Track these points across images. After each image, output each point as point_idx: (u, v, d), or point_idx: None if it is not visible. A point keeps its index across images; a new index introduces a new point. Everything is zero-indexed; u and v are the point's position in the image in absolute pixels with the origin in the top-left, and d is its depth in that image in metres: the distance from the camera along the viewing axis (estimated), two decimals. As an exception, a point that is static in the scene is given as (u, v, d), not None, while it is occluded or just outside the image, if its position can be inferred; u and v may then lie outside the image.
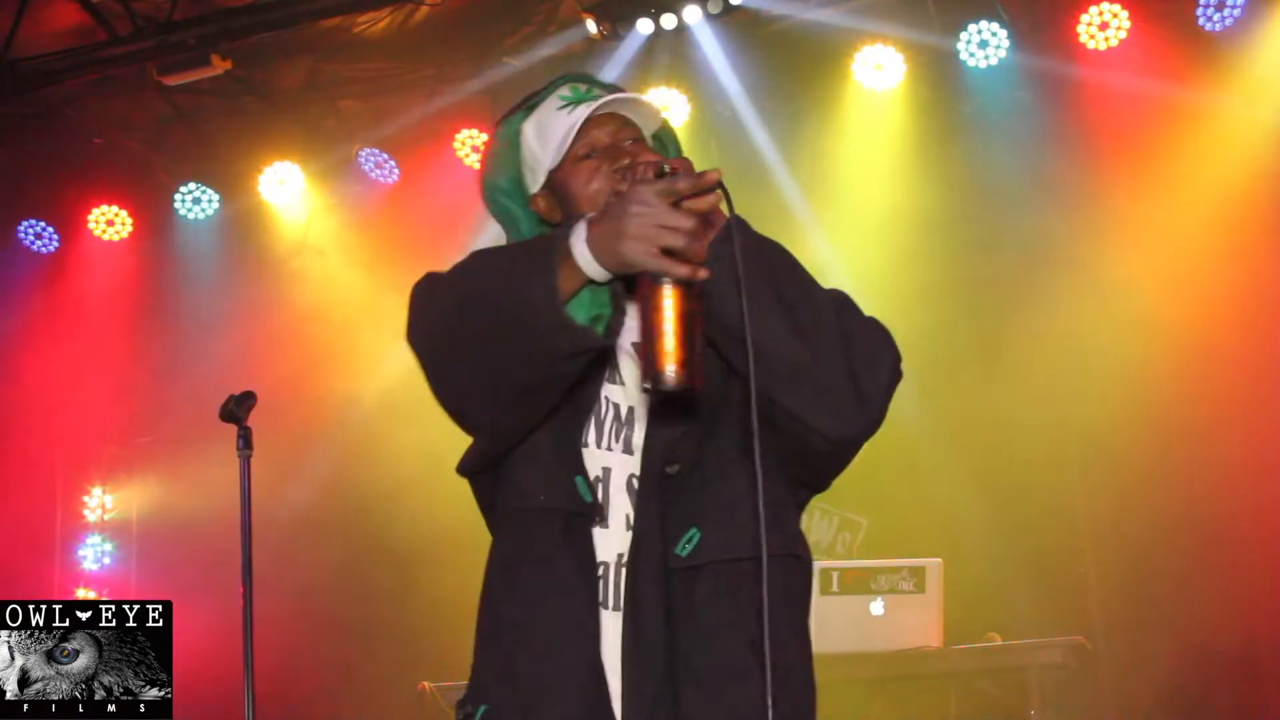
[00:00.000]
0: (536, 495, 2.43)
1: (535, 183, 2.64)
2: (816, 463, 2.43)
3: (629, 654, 2.33)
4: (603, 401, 2.49)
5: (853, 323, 2.36)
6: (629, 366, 2.50)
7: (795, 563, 2.46)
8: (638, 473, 2.43)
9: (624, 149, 2.53)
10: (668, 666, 2.33)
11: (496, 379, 2.32)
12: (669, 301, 2.14)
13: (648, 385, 2.15)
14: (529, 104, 2.65)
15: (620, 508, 2.43)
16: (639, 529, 2.39)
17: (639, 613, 2.34)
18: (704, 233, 2.23)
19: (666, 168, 2.21)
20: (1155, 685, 6.86)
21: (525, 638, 2.39)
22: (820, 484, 2.53)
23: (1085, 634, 6.36)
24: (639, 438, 2.46)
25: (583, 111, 2.53)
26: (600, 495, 2.44)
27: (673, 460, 2.41)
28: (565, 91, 2.61)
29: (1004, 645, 6.03)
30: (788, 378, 2.30)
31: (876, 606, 5.92)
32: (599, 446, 2.47)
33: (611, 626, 2.37)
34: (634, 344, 2.48)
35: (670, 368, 2.14)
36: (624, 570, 2.38)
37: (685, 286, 2.15)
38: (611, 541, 2.42)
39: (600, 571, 2.40)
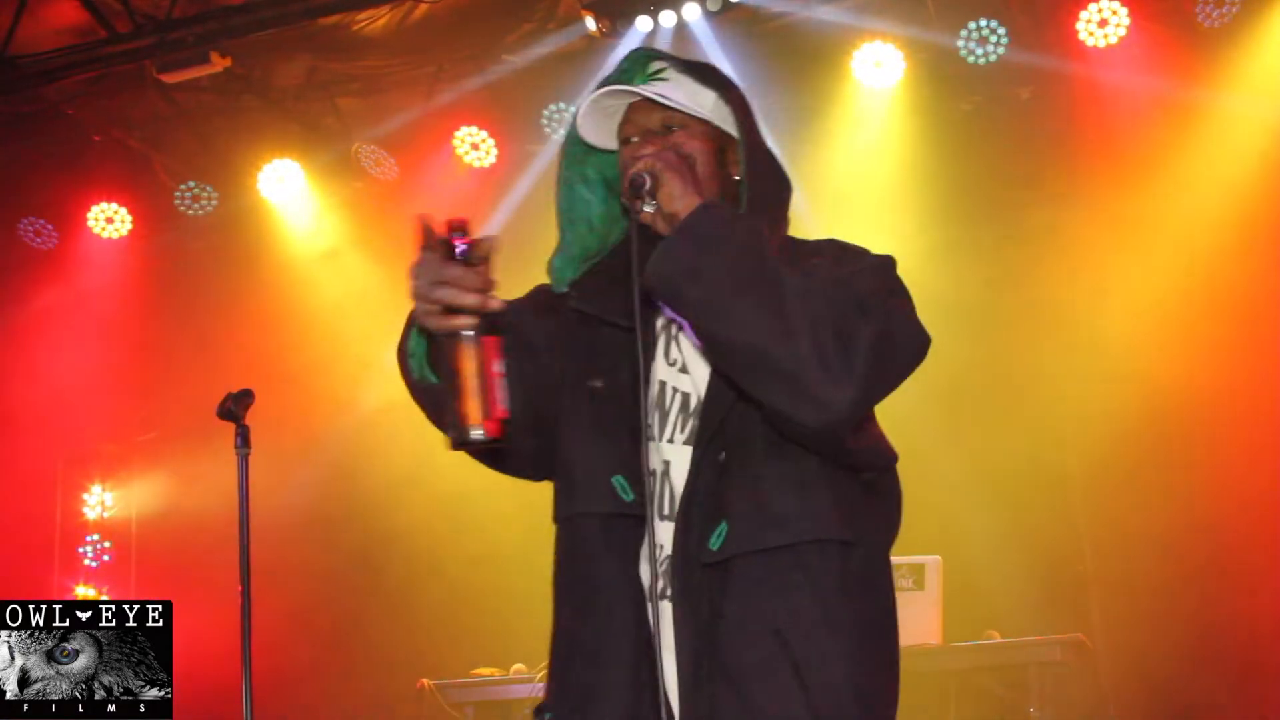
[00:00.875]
0: (572, 504, 2.48)
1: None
2: (815, 446, 2.38)
3: (680, 645, 2.33)
4: (669, 393, 2.50)
5: (823, 301, 2.31)
6: (695, 356, 2.50)
7: (839, 549, 2.39)
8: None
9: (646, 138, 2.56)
10: (709, 660, 2.32)
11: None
12: (465, 359, 2.17)
13: (452, 439, 2.18)
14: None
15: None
16: (680, 522, 2.39)
17: (685, 605, 2.34)
18: (486, 282, 2.23)
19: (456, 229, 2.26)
20: (1154, 682, 6.86)
21: (572, 646, 2.44)
22: (855, 464, 2.45)
23: (1085, 631, 6.36)
24: (698, 428, 2.45)
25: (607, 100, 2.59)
26: (658, 489, 2.44)
27: (722, 447, 2.40)
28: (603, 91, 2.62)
29: (1003, 642, 6.04)
30: (751, 369, 2.31)
31: (876, 604, 5.91)
32: (663, 439, 2.48)
33: (670, 617, 2.37)
34: None
35: (467, 427, 2.17)
36: (670, 563, 2.39)
37: (480, 339, 2.18)
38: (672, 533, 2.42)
39: (663, 565, 2.41)
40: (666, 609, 2.38)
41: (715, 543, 2.36)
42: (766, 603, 2.33)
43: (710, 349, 2.37)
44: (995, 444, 7.32)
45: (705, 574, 2.36)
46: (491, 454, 2.49)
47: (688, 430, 2.47)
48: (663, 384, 2.51)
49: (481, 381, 2.16)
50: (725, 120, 2.60)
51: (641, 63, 2.63)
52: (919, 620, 5.88)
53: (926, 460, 7.33)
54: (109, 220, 8.54)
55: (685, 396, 2.49)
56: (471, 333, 2.17)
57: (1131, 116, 7.26)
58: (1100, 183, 7.40)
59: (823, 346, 2.27)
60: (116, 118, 8.12)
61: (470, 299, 2.19)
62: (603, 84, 2.60)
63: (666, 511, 2.44)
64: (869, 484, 2.48)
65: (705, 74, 2.61)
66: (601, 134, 2.65)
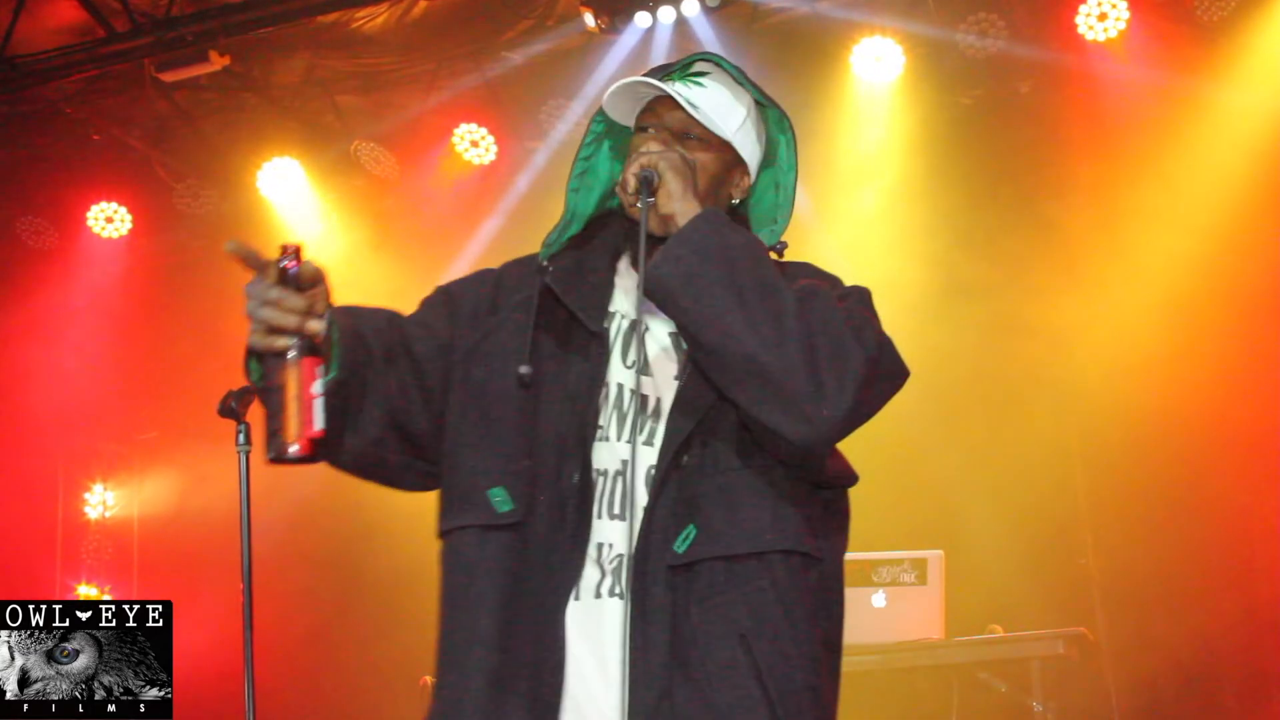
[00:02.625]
0: (447, 521, 2.52)
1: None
2: (796, 462, 2.40)
3: (635, 647, 2.32)
4: (626, 395, 2.49)
5: (819, 320, 2.33)
6: (662, 360, 2.51)
7: (802, 561, 2.41)
8: (655, 463, 2.42)
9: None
10: (668, 662, 2.32)
11: None
12: (285, 377, 2.27)
13: (270, 454, 2.28)
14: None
15: (640, 501, 2.41)
16: (645, 523, 2.38)
17: (644, 607, 2.34)
18: (309, 304, 2.31)
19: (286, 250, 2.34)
20: (1158, 676, 6.85)
21: (442, 661, 2.45)
22: (824, 482, 2.48)
23: (1088, 625, 6.36)
24: (663, 428, 2.45)
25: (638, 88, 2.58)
26: (607, 488, 2.44)
27: (686, 451, 2.40)
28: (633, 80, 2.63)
29: (1006, 637, 6.02)
30: (741, 376, 2.31)
31: (878, 599, 5.92)
32: (619, 439, 2.47)
33: (614, 615, 2.37)
34: (670, 334, 2.51)
35: (284, 443, 2.26)
36: (630, 562, 2.37)
37: (300, 360, 2.27)
38: (625, 533, 2.41)
39: (612, 564, 2.40)
40: (611, 605, 2.38)
41: (681, 545, 2.36)
42: (732, 608, 2.34)
43: (704, 356, 2.37)
44: (997, 437, 7.31)
45: (668, 575, 2.35)
46: (364, 470, 2.61)
47: (647, 432, 2.46)
48: (620, 386, 2.50)
49: (299, 401, 2.26)
50: (746, 146, 2.62)
51: (689, 63, 2.62)
52: (922, 615, 5.88)
53: (929, 455, 7.35)
54: (109, 219, 8.54)
55: (645, 399, 2.48)
56: (293, 354, 2.27)
57: (1131, 110, 7.26)
58: (1100, 176, 7.39)
59: (817, 363, 2.28)
60: (116, 117, 8.12)
61: (290, 320, 2.27)
62: (646, 73, 2.61)
63: (616, 511, 2.43)
64: (827, 502, 2.51)
65: (745, 96, 2.62)
66: (625, 115, 2.65)
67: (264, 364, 2.33)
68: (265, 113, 8.09)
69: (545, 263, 2.59)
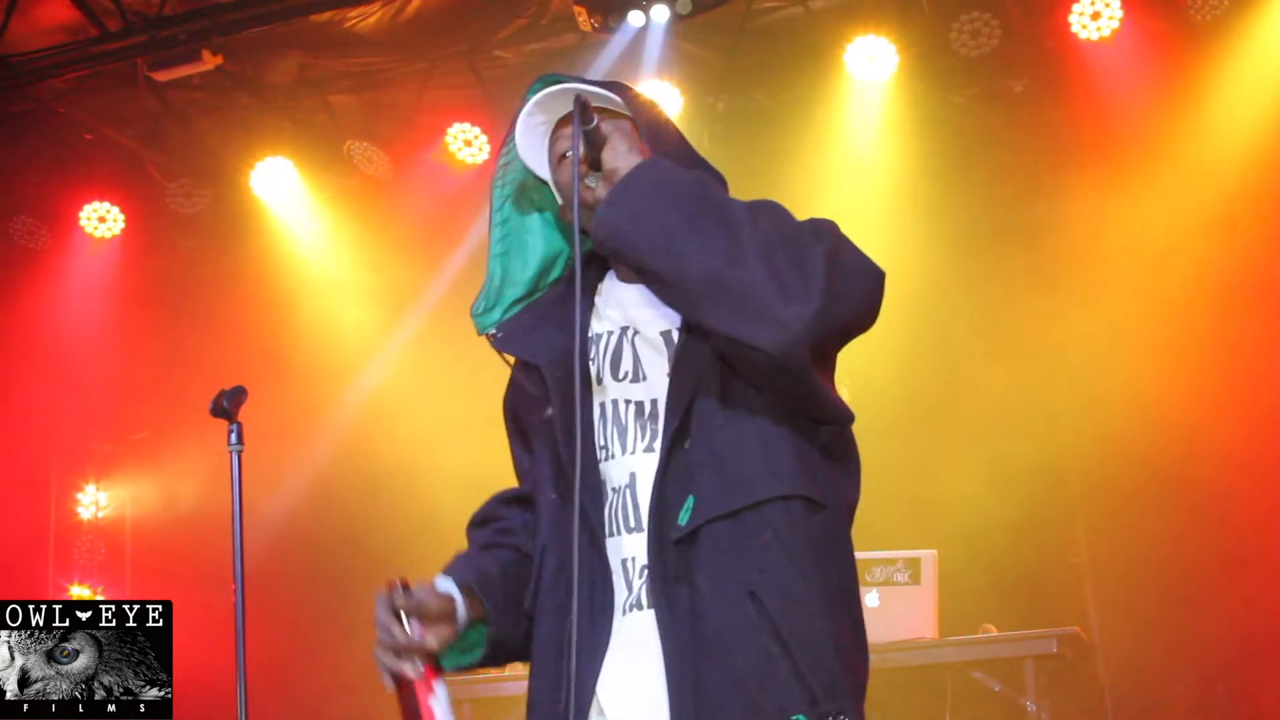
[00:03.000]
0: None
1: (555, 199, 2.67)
2: (776, 382, 2.35)
3: (666, 650, 2.30)
4: (621, 407, 2.48)
5: (772, 228, 2.32)
6: (651, 357, 2.49)
7: (804, 506, 2.37)
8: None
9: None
10: (692, 649, 2.30)
11: None
12: (406, 694, 2.42)
13: None
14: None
15: (649, 508, 2.40)
16: (657, 522, 2.36)
17: (666, 605, 2.32)
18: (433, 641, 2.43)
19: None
20: (1151, 675, 6.87)
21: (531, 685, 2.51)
22: (807, 408, 2.42)
23: (1081, 624, 6.36)
24: (662, 429, 2.43)
25: (538, 117, 2.57)
26: (620, 503, 2.43)
27: (685, 438, 2.39)
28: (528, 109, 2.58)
29: (1000, 636, 6.03)
30: (704, 297, 2.29)
31: (871, 598, 5.92)
32: (625, 452, 2.46)
33: (642, 626, 2.37)
34: (661, 332, 2.49)
35: None
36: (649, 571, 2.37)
37: (422, 674, 2.42)
38: (644, 544, 2.40)
39: (643, 579, 2.39)
40: (634, 619, 2.38)
41: (684, 517, 2.34)
42: (738, 565, 2.31)
43: (665, 288, 2.35)
44: (991, 437, 7.32)
45: (676, 551, 2.34)
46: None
47: (648, 436, 2.45)
48: (614, 401, 2.49)
49: (418, 714, 2.41)
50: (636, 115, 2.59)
51: (547, 83, 2.57)
52: (915, 614, 5.88)
53: (924, 454, 7.35)
54: (101, 219, 8.51)
55: (640, 405, 2.48)
56: (413, 673, 2.42)
57: (1125, 109, 7.27)
58: (1093, 176, 7.40)
59: (778, 266, 2.26)
60: (108, 116, 8.10)
61: (397, 661, 2.39)
62: (527, 98, 2.57)
63: (633, 524, 2.42)
64: (826, 445, 2.45)
65: (606, 85, 2.59)
66: (535, 161, 2.63)
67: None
68: (258, 112, 8.08)
69: (493, 332, 2.62)
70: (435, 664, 2.45)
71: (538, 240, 2.71)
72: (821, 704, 2.27)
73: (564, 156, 2.54)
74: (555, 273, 2.71)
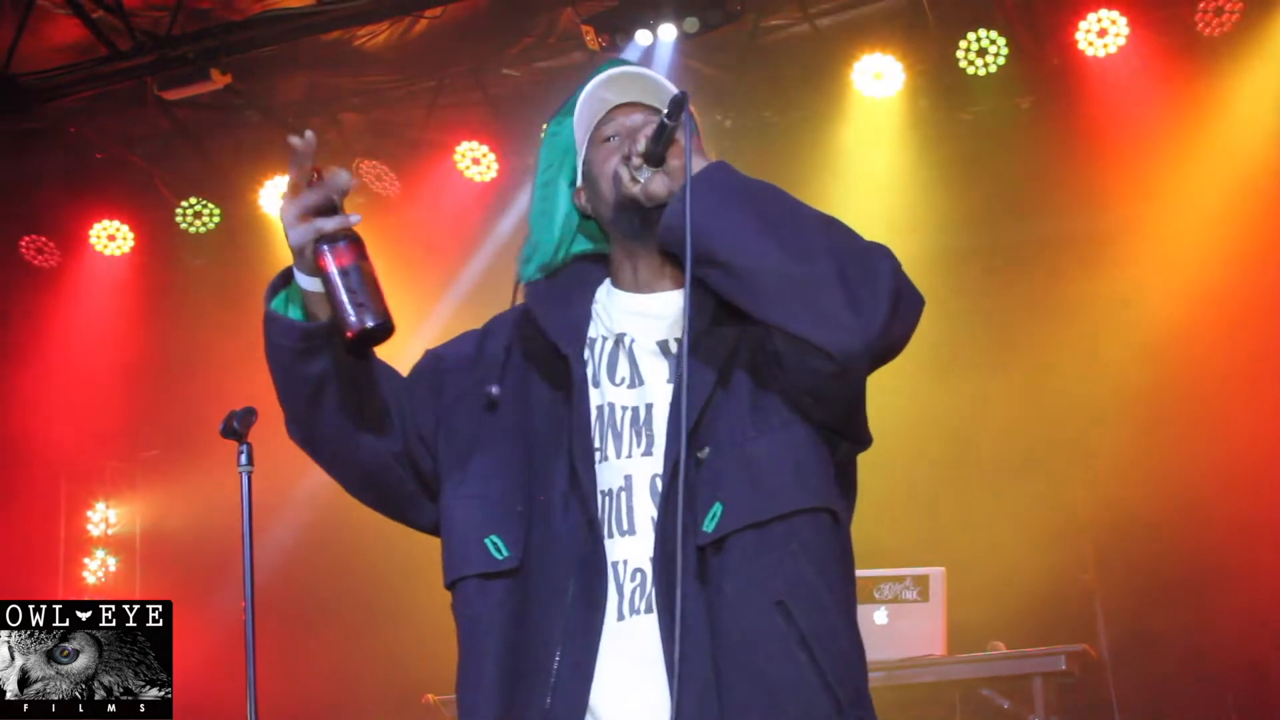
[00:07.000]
0: (450, 573, 2.48)
1: (578, 175, 2.66)
2: (829, 390, 2.36)
3: (677, 653, 2.26)
4: (617, 412, 2.47)
5: (845, 237, 2.35)
6: (651, 364, 2.49)
7: (830, 520, 2.40)
8: (660, 471, 2.40)
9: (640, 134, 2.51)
10: (712, 654, 2.29)
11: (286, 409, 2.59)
12: (342, 258, 2.36)
13: (350, 335, 2.29)
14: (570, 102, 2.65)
15: (645, 511, 2.40)
16: (663, 527, 2.34)
17: (684, 609, 2.28)
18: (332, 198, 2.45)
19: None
20: (1161, 693, 6.85)
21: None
22: (844, 423, 2.44)
23: (1090, 642, 6.34)
24: (661, 433, 2.43)
25: (601, 92, 2.56)
26: (612, 506, 2.41)
27: (704, 443, 2.38)
28: (597, 81, 2.59)
29: (1008, 653, 6.01)
30: (777, 294, 2.29)
31: (880, 615, 5.91)
32: (620, 456, 2.45)
33: (644, 630, 2.34)
34: (658, 341, 2.49)
35: (360, 318, 2.29)
36: (653, 572, 2.35)
37: (346, 241, 2.37)
38: (642, 546, 2.38)
39: (635, 583, 2.38)
40: (636, 623, 2.36)
41: (710, 524, 2.33)
42: (766, 576, 2.31)
43: (737, 283, 2.33)
44: (1000, 455, 7.31)
45: (698, 557, 2.33)
46: (380, 483, 2.68)
47: (644, 441, 2.44)
48: (611, 405, 2.48)
49: (366, 276, 2.34)
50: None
51: (618, 65, 2.59)
52: (923, 631, 5.87)
53: (932, 471, 7.35)
54: (111, 238, 8.54)
55: (635, 410, 2.47)
56: (341, 240, 2.38)
57: (1132, 126, 7.27)
58: (1101, 192, 7.40)
59: (849, 275, 2.28)
60: (118, 135, 8.14)
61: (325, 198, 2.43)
62: (602, 69, 2.58)
63: (625, 527, 2.41)
64: (841, 468, 2.48)
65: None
66: (580, 132, 2.63)
67: (313, 256, 2.40)
68: (267, 130, 8.10)
69: (522, 283, 2.62)
70: (356, 240, 2.37)
71: (560, 209, 2.69)
72: (847, 712, 2.31)
73: (608, 140, 2.56)
74: (573, 246, 2.69)
